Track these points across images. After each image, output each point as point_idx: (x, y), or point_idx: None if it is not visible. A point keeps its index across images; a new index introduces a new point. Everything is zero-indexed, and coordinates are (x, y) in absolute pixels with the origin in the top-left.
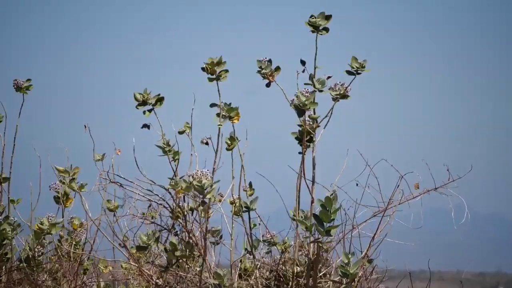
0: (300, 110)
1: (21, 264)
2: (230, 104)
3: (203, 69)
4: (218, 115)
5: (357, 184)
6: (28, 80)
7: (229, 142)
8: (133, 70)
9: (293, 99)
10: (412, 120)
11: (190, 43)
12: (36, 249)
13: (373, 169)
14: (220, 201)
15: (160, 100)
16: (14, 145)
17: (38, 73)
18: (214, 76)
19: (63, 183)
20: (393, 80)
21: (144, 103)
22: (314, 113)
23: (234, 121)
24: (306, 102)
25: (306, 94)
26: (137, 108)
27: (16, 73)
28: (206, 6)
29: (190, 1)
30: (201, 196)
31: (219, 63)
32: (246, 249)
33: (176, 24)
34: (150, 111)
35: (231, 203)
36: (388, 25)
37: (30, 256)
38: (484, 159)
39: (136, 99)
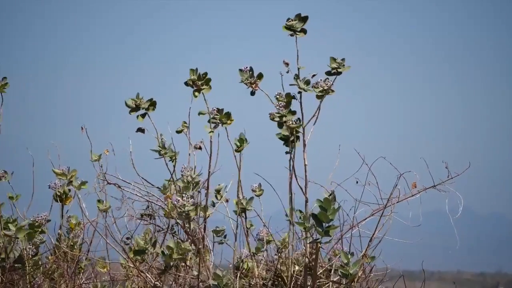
0: (279, 123)
1: (15, 265)
2: (222, 109)
3: (186, 84)
4: (209, 121)
5: (357, 182)
6: (4, 78)
7: (238, 143)
8: (131, 71)
9: (271, 113)
10: (411, 119)
11: (190, 42)
12: (29, 249)
13: (371, 167)
14: (227, 200)
15: (152, 104)
16: None
17: (38, 73)
18: (197, 89)
19: (65, 177)
20: (390, 78)
21: (137, 108)
22: (302, 116)
23: (227, 125)
24: (284, 113)
25: (281, 108)
26: (130, 114)
27: (16, 73)
28: (205, 6)
29: (190, 1)
30: (186, 220)
31: (200, 78)
32: (250, 249)
33: (175, 23)
34: (143, 116)
35: (237, 203)
36: (386, 24)
37: (22, 256)
38: (485, 159)
39: (127, 105)
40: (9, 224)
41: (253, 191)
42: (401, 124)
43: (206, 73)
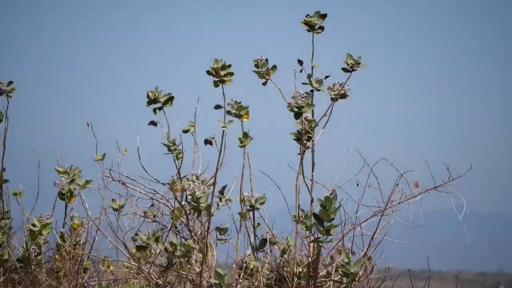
0: (297, 113)
1: (18, 264)
2: (240, 102)
3: (208, 72)
4: (227, 112)
5: (357, 184)
6: (10, 82)
7: (242, 139)
8: (136, 69)
9: (290, 102)
10: (413, 119)
11: (193, 41)
12: (32, 249)
13: (373, 168)
14: (230, 200)
15: (170, 99)
16: (4, 148)
17: (40, 72)
18: (219, 80)
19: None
20: (392, 79)
21: (155, 100)
22: (313, 116)
23: (243, 119)
24: (302, 105)
25: (303, 98)
26: (147, 106)
27: (18, 72)
28: (208, 5)
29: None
30: (195, 205)
31: (224, 67)
32: (253, 247)
33: (179, 21)
34: (160, 109)
35: (241, 201)
36: (389, 24)
37: (26, 256)
38: (486, 159)
39: (148, 97)
40: (34, 220)
41: (255, 202)
42: (403, 125)
43: (230, 65)
